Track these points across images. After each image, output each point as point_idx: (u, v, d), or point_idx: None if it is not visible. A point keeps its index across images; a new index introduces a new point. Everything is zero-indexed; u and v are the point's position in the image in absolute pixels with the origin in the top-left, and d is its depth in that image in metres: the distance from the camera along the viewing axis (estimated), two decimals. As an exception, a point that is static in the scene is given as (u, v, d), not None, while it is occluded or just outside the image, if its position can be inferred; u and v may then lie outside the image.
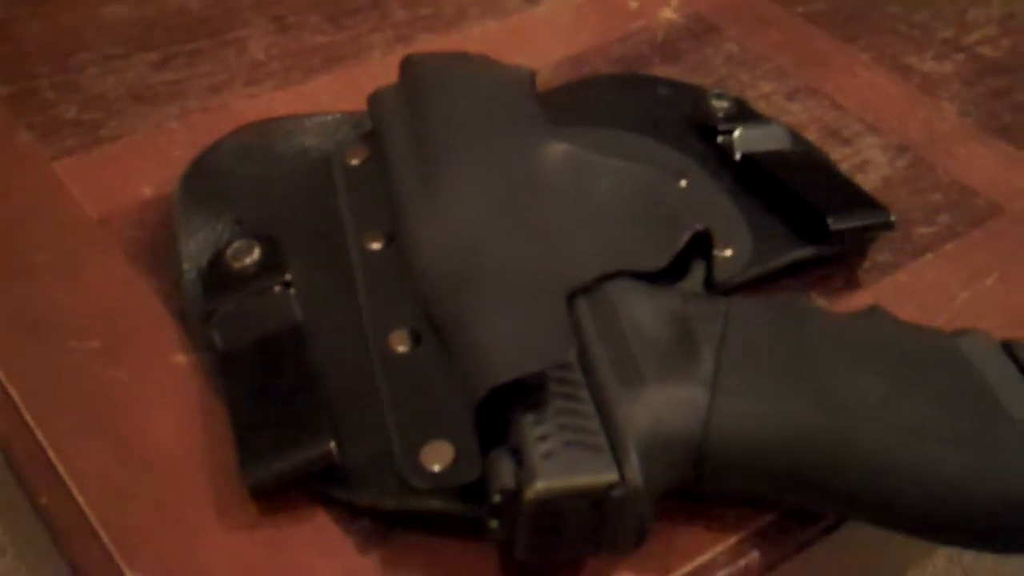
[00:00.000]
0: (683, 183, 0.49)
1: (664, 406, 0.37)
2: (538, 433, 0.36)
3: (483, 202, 0.44)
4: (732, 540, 0.39)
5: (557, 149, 0.46)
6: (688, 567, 0.38)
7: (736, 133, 0.52)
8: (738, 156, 0.52)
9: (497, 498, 0.35)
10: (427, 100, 0.48)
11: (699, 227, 0.43)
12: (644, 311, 0.40)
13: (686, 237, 0.43)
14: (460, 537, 0.38)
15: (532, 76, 0.51)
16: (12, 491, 0.42)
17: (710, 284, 0.45)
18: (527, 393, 0.37)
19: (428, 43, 0.60)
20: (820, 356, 0.39)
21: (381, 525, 0.39)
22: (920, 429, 0.37)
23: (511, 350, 0.37)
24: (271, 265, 0.44)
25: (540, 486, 0.35)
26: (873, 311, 0.42)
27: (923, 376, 0.39)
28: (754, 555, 0.39)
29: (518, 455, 0.36)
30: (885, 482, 0.37)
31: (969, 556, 1.31)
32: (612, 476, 0.35)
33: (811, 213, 0.48)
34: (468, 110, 0.48)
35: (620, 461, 0.35)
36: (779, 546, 0.40)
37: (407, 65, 0.50)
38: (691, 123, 0.54)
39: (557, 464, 0.35)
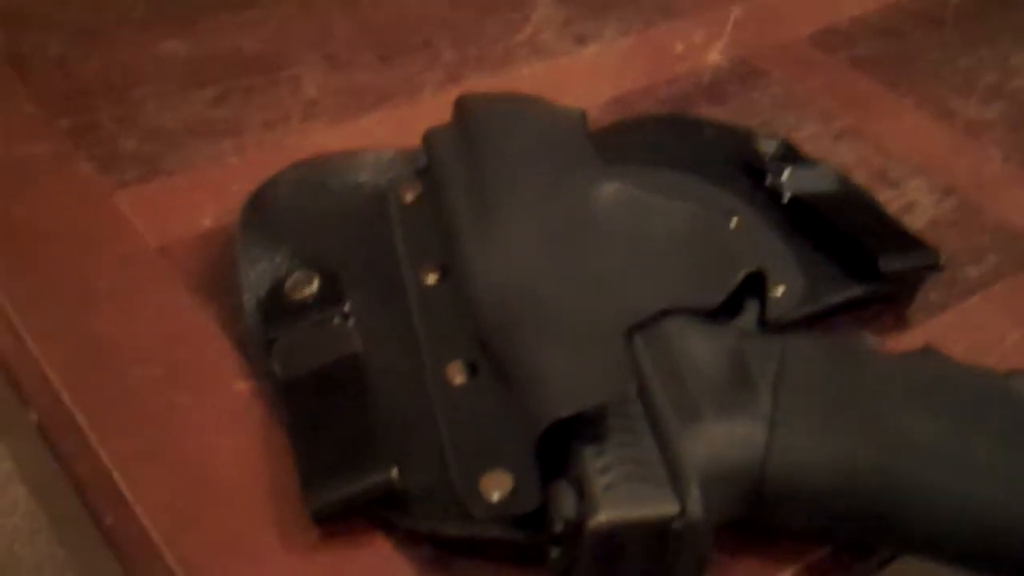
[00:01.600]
0: (734, 222, 0.50)
1: (723, 441, 0.38)
2: (599, 465, 0.36)
3: (538, 238, 0.45)
4: (788, 573, 0.40)
5: (610, 188, 0.47)
6: (744, 599, 0.39)
7: (785, 174, 0.53)
8: (787, 197, 0.52)
9: (559, 527, 0.36)
10: (481, 138, 0.49)
11: (754, 266, 0.44)
12: (701, 348, 0.41)
13: (741, 276, 0.44)
14: (518, 565, 0.39)
15: (583, 116, 0.52)
16: (75, 518, 0.43)
17: (763, 322, 0.45)
18: (588, 426, 0.37)
19: (478, 83, 0.62)
20: (876, 394, 0.39)
21: (441, 552, 0.39)
22: (975, 468, 0.38)
23: (573, 384, 0.38)
24: (330, 296, 0.45)
25: (603, 517, 0.35)
26: (927, 351, 0.42)
27: (978, 416, 0.39)
28: (810, 588, 0.40)
29: (579, 486, 0.36)
30: (940, 520, 0.38)
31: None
32: (673, 508, 0.35)
33: (862, 253, 0.49)
34: (521, 148, 0.49)
35: (681, 494, 0.36)
36: (834, 580, 0.40)
37: (461, 104, 0.51)
38: (738, 164, 0.55)
39: (619, 496, 0.35)
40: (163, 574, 0.38)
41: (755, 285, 0.45)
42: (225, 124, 0.57)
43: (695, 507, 0.35)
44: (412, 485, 0.39)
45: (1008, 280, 0.52)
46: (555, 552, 0.36)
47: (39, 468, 0.47)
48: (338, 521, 0.39)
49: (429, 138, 0.51)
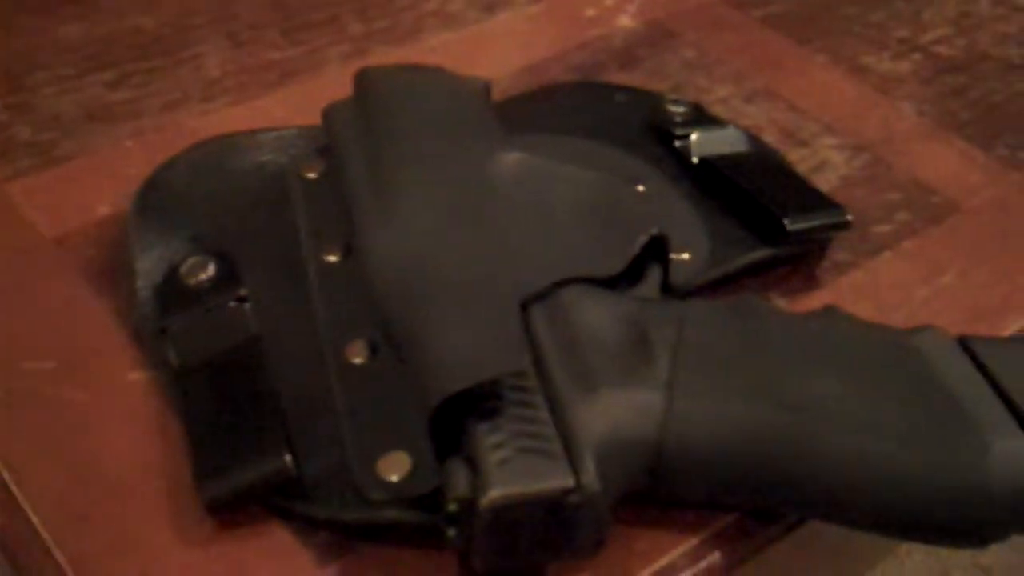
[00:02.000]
0: (640, 188, 0.49)
1: (620, 411, 0.37)
2: (493, 441, 0.36)
3: (436, 212, 0.44)
4: (693, 542, 0.39)
5: (511, 157, 0.46)
6: (648, 571, 0.38)
7: (693, 137, 0.53)
8: (695, 160, 0.52)
9: (453, 507, 0.35)
10: (381, 112, 0.48)
11: (654, 231, 0.43)
12: (599, 316, 0.40)
13: (641, 241, 0.43)
14: (420, 547, 0.38)
15: (487, 86, 0.51)
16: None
17: (668, 288, 0.45)
18: (481, 401, 0.37)
19: (384, 56, 0.60)
20: (776, 356, 0.39)
21: (340, 538, 0.38)
22: (877, 427, 0.37)
23: (464, 359, 0.37)
24: (226, 280, 0.44)
25: (495, 494, 0.34)
26: (829, 310, 0.42)
27: (880, 374, 0.39)
28: (715, 556, 0.39)
29: (473, 463, 0.35)
30: (844, 481, 0.37)
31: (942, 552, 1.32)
32: (568, 482, 0.35)
33: (768, 215, 0.48)
34: (422, 121, 0.48)
35: (576, 466, 0.35)
36: (740, 547, 0.40)
37: (361, 78, 0.50)
38: (648, 129, 0.54)
39: (512, 471, 0.35)
40: (54, 574, 0.37)
41: (658, 251, 0.44)
42: (124, 108, 0.56)
43: (590, 480, 0.35)
44: (309, 470, 0.39)
45: (918, 236, 0.52)
46: (451, 531, 0.36)
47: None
48: (234, 511, 0.38)
49: (329, 114, 0.50)
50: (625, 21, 0.64)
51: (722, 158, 0.52)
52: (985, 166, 0.56)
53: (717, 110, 0.57)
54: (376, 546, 0.38)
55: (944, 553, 1.32)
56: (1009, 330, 0.48)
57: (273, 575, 0.37)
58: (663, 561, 0.39)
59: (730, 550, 0.39)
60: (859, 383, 0.39)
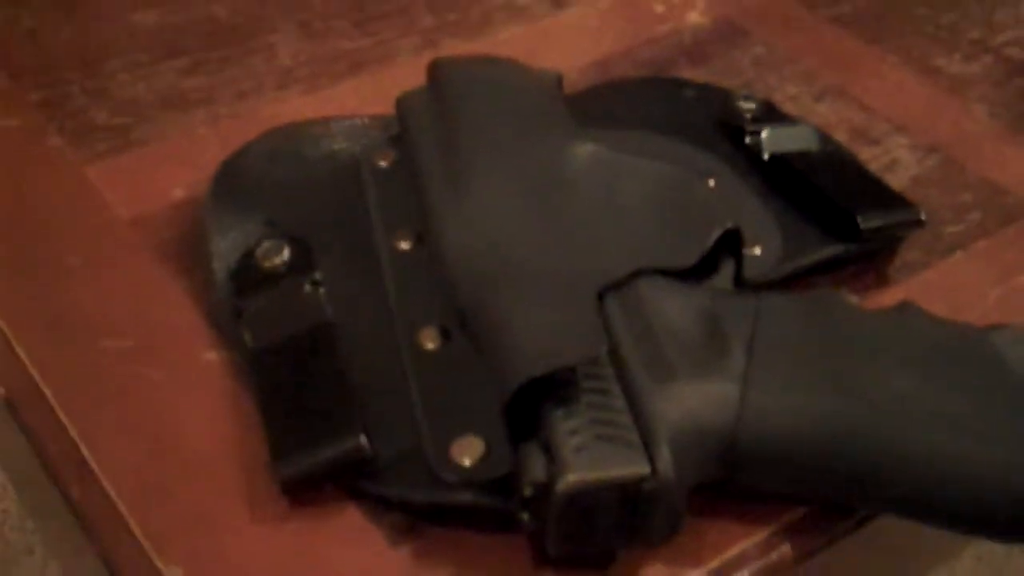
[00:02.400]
0: (711, 183, 0.49)
1: (695, 401, 0.37)
2: (569, 427, 0.36)
3: (511, 202, 0.44)
4: (763, 534, 0.39)
5: (584, 150, 0.46)
6: (719, 560, 0.38)
7: (764, 134, 0.52)
8: (767, 156, 0.52)
9: (528, 491, 0.35)
10: (455, 102, 0.49)
11: (728, 225, 0.43)
12: (674, 308, 0.40)
13: (715, 235, 0.43)
14: (491, 531, 0.38)
15: (559, 79, 0.51)
16: (44, 493, 0.42)
17: (740, 282, 0.45)
18: (558, 388, 0.37)
19: (454, 48, 0.61)
20: (851, 350, 0.39)
21: (412, 520, 0.39)
22: (952, 423, 0.37)
23: (541, 345, 0.37)
24: (301, 264, 0.45)
25: (571, 479, 0.34)
26: (904, 306, 0.41)
27: (955, 370, 0.39)
28: (785, 548, 0.39)
29: (549, 449, 0.36)
30: (916, 476, 0.37)
31: (999, 553, 1.31)
32: (643, 469, 0.35)
33: (840, 212, 0.48)
34: (495, 112, 0.48)
35: (652, 454, 0.35)
36: (810, 540, 0.40)
37: (435, 68, 0.51)
38: (718, 125, 0.54)
39: (588, 457, 0.35)
40: (130, 546, 0.38)
41: (731, 245, 0.44)
42: (197, 94, 0.56)
43: (666, 467, 0.35)
44: (383, 452, 0.39)
45: (990, 237, 0.51)
46: (526, 516, 0.36)
47: (9, 447, 0.46)
48: (308, 490, 0.39)
49: (402, 103, 0.50)
50: (695, 18, 0.64)
51: (793, 155, 0.51)
52: (1057, 169, 0.56)
53: (787, 108, 0.57)
54: (447, 529, 0.39)
55: (998, 559, 1.31)
56: (1083, 333, 0.47)
57: (345, 554, 0.38)
58: (733, 551, 0.39)
59: (800, 543, 0.39)
60: (936, 379, 0.38)
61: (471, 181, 0.45)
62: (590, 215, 0.43)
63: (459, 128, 0.47)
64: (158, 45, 0.59)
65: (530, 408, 0.37)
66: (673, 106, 0.56)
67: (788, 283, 0.47)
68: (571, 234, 0.43)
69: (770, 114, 0.54)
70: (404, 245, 0.46)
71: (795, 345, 0.39)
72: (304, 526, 0.38)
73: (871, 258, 0.49)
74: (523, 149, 0.46)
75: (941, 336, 0.40)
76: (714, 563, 0.38)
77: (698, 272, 0.43)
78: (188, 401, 0.42)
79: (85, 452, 0.40)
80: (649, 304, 0.40)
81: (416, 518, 0.39)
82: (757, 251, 0.47)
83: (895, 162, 0.55)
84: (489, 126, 0.47)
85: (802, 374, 0.38)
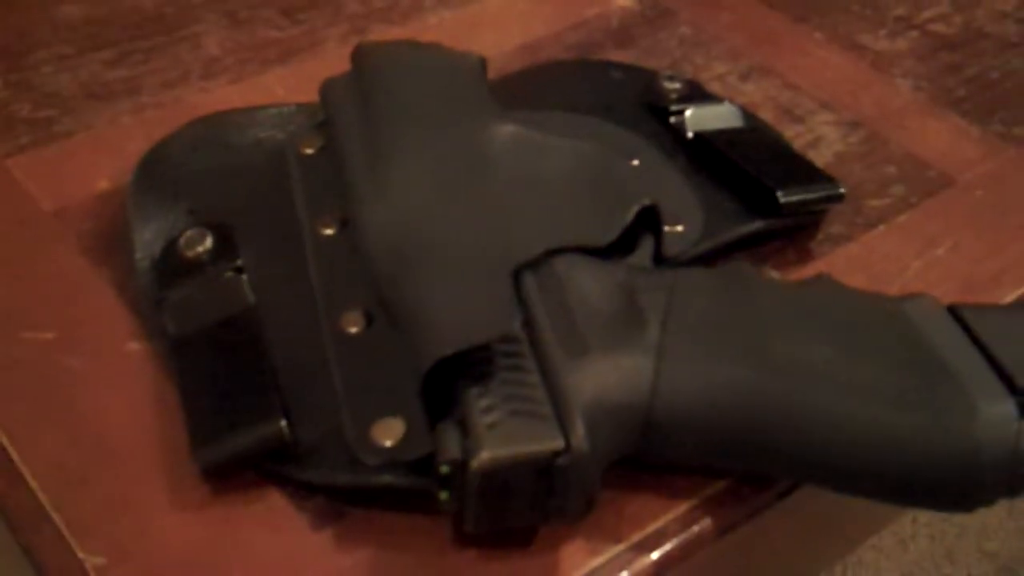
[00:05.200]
0: (635, 162, 0.49)
1: (610, 374, 0.37)
2: (484, 404, 0.36)
3: (430, 183, 0.44)
4: (683, 507, 0.40)
5: (504, 130, 0.46)
6: (640, 535, 0.39)
7: (688, 113, 0.53)
8: (690, 135, 0.52)
9: (445, 469, 0.36)
10: (377, 87, 0.49)
11: (646, 202, 0.44)
12: (591, 284, 0.40)
13: (633, 212, 0.43)
14: (412, 512, 0.38)
15: (482, 61, 0.51)
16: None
17: (660, 259, 0.45)
18: (473, 366, 0.37)
19: (383, 34, 0.61)
20: (765, 321, 0.39)
21: (334, 503, 0.39)
22: (866, 390, 0.38)
23: (455, 323, 0.38)
24: (223, 252, 0.45)
25: (485, 456, 0.35)
26: (820, 278, 0.42)
27: (869, 339, 0.39)
28: (706, 522, 0.39)
29: (465, 427, 0.36)
30: (832, 445, 0.37)
31: (950, 534, 1.32)
32: (558, 443, 0.35)
33: (761, 188, 0.48)
34: (417, 95, 0.48)
35: (566, 428, 0.35)
36: (732, 512, 0.40)
37: (358, 54, 0.51)
38: (644, 105, 0.54)
39: (502, 433, 0.35)
40: (52, 536, 0.37)
41: (651, 222, 0.44)
42: (123, 85, 0.56)
43: (580, 442, 0.35)
44: (304, 436, 0.39)
45: (913, 211, 0.52)
46: (444, 494, 0.36)
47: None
48: (230, 476, 0.39)
49: (325, 89, 0.50)
50: (622, 0, 0.65)
51: (717, 133, 0.52)
52: (980, 141, 0.56)
53: (714, 87, 0.58)
54: (369, 511, 0.39)
55: (949, 539, 1.33)
56: (1002, 302, 0.48)
57: (268, 539, 0.38)
58: (654, 526, 0.39)
59: (721, 515, 0.40)
60: (848, 347, 0.39)
61: (391, 164, 0.45)
62: (509, 194, 0.44)
63: (380, 112, 0.47)
64: (83, 37, 0.59)
65: (448, 388, 0.37)
66: (600, 88, 0.57)
67: (710, 260, 0.47)
68: (489, 213, 0.43)
69: (695, 94, 0.55)
70: (328, 231, 0.46)
71: (709, 317, 0.39)
72: (227, 512, 0.38)
73: (793, 234, 0.50)
74: (444, 131, 0.46)
75: (855, 305, 0.41)
76: (635, 537, 0.39)
77: (618, 250, 0.43)
78: (110, 391, 0.42)
79: (5, 443, 0.40)
80: (565, 281, 0.40)
81: (339, 501, 0.39)
82: (679, 228, 0.47)
83: (820, 139, 0.56)
84: (410, 109, 0.47)
85: (715, 346, 0.38)
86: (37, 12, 0.60)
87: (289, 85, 0.57)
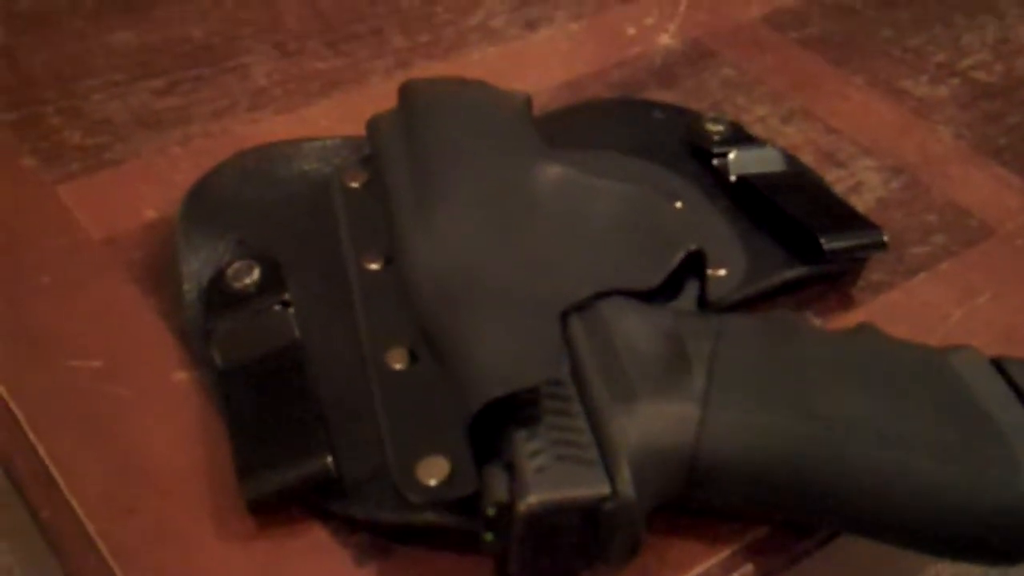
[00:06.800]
0: (678, 205, 0.50)
1: (656, 421, 0.38)
2: (531, 448, 0.36)
3: (478, 223, 0.44)
4: (725, 553, 0.40)
5: (551, 171, 0.47)
6: (681, 580, 0.39)
7: (731, 156, 0.53)
8: (733, 178, 0.52)
9: (491, 511, 0.36)
10: (424, 124, 0.49)
11: (692, 247, 0.44)
12: (637, 328, 0.41)
13: (679, 256, 0.44)
14: (456, 551, 0.39)
15: (528, 100, 0.52)
16: (18, 513, 0.42)
17: (704, 304, 0.45)
18: (520, 409, 0.37)
19: (427, 69, 0.61)
20: (810, 371, 0.39)
21: (378, 539, 0.39)
22: (910, 442, 0.38)
23: (504, 366, 0.38)
24: (270, 285, 0.45)
25: (533, 499, 0.35)
26: (864, 327, 0.42)
27: (913, 391, 0.39)
28: (748, 567, 0.40)
29: (511, 469, 0.36)
30: (875, 495, 0.38)
31: (978, 570, 1.31)
32: (604, 489, 0.35)
33: (805, 234, 0.49)
34: (464, 133, 0.49)
35: (612, 474, 0.36)
36: (773, 558, 0.40)
37: (405, 90, 0.51)
38: (686, 147, 0.55)
39: (549, 478, 0.35)
40: (97, 565, 0.38)
41: (696, 267, 0.45)
42: (172, 114, 0.57)
43: (625, 487, 0.35)
44: (349, 472, 0.39)
45: (954, 259, 0.52)
46: (489, 536, 0.36)
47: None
48: (275, 510, 0.39)
49: (372, 124, 0.51)
50: (665, 40, 0.65)
51: (759, 177, 0.52)
52: (1021, 190, 0.56)
53: (755, 130, 0.58)
54: (412, 549, 0.39)
55: (976, 572, 1.32)
56: (1043, 354, 0.48)
57: (311, 572, 0.38)
58: (696, 571, 0.39)
59: (763, 562, 0.40)
60: (893, 399, 0.39)
61: (438, 203, 0.45)
62: (555, 236, 0.44)
63: (428, 150, 0.48)
64: (134, 65, 0.60)
65: (494, 428, 0.38)
66: (642, 127, 0.57)
67: (752, 304, 0.47)
68: (536, 255, 0.43)
69: (737, 136, 0.55)
70: (373, 266, 0.46)
71: (754, 366, 0.40)
72: (271, 544, 0.39)
73: (835, 280, 0.50)
74: (491, 170, 0.47)
75: (900, 356, 0.41)
76: (676, 582, 0.39)
77: (662, 293, 0.44)
78: (156, 420, 0.42)
79: (53, 471, 0.40)
80: (611, 325, 0.41)
81: (383, 538, 0.39)
82: (722, 272, 0.47)
83: (861, 184, 0.56)
84: (458, 148, 0.48)
85: (760, 395, 0.39)
86: (89, 39, 0.61)
87: (334, 117, 0.58)
